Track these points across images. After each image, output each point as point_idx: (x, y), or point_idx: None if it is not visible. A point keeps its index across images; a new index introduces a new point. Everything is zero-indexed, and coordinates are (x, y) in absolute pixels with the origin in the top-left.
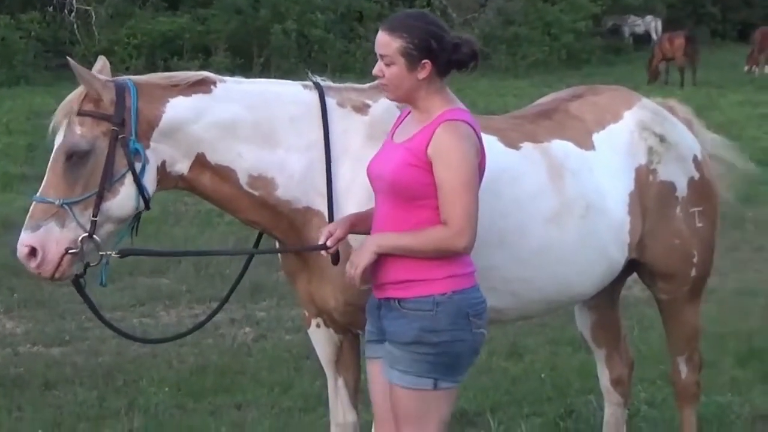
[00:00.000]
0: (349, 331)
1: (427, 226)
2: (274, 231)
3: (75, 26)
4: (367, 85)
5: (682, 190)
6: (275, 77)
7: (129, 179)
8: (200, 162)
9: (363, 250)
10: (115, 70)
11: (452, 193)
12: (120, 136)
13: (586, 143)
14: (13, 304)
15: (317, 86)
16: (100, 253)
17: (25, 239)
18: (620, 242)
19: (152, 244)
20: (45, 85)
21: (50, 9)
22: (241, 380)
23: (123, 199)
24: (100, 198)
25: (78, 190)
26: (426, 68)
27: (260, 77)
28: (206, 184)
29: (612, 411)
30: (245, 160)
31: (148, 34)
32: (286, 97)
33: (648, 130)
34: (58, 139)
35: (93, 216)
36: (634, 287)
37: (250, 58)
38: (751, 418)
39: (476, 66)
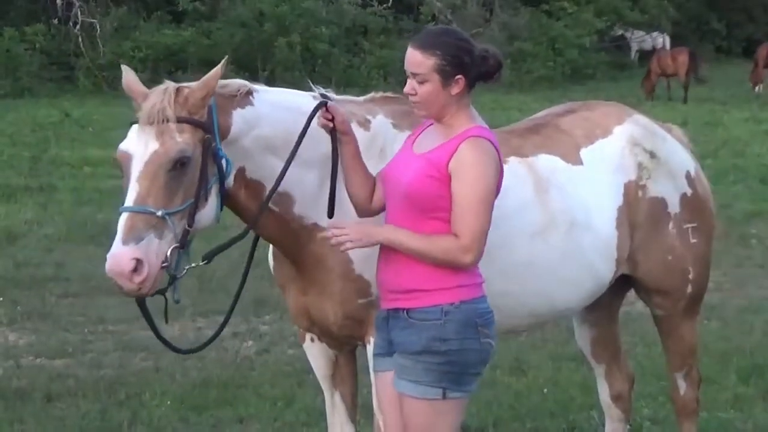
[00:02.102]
0: (345, 346)
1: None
2: (277, 244)
3: (80, 39)
4: (362, 98)
5: (674, 206)
6: None
7: (215, 189)
8: (240, 176)
9: (371, 231)
10: (119, 83)
11: (468, 208)
12: (212, 144)
13: (573, 158)
14: (17, 316)
15: (325, 98)
16: (186, 266)
17: (130, 252)
18: (607, 257)
19: None
20: (49, 97)
21: (55, 21)
22: (244, 394)
23: (210, 209)
24: (196, 207)
25: (178, 200)
26: (459, 84)
27: None
28: (241, 200)
29: (613, 427)
30: (275, 175)
31: (152, 47)
32: (306, 109)
33: (638, 145)
34: (151, 147)
35: (188, 226)
36: (637, 303)
37: (254, 72)
38: None
39: (500, 76)
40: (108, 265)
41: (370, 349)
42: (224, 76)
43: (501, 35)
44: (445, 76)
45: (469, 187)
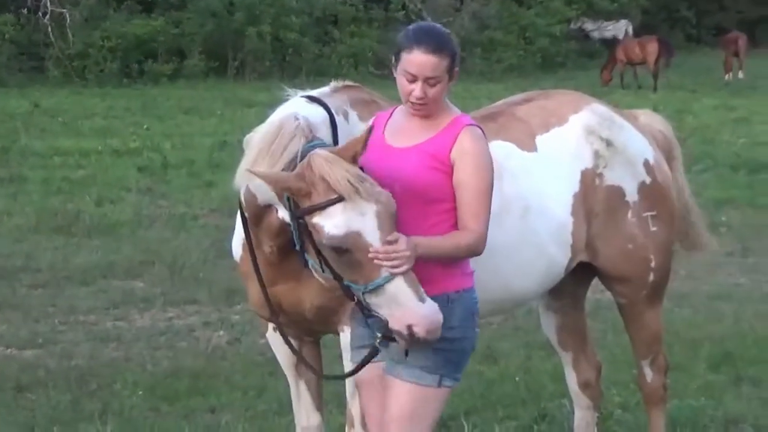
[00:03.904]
0: (310, 335)
1: (441, 227)
2: (275, 246)
3: (49, 29)
4: (328, 88)
5: (632, 194)
6: (250, 80)
7: None
8: None
9: (410, 248)
10: (89, 73)
11: (478, 196)
12: None
13: (528, 145)
14: None
15: (316, 100)
16: None
17: (433, 305)
18: (562, 243)
19: (126, 248)
20: (19, 87)
21: (24, 11)
22: (215, 384)
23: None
24: None
25: None
26: (456, 76)
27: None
28: (272, 220)
29: (582, 414)
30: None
31: (122, 37)
32: (321, 118)
33: (594, 134)
34: (370, 211)
35: None
36: (607, 291)
37: (224, 62)
38: (724, 421)
39: None
40: (426, 327)
41: (344, 337)
42: (194, 66)
43: (471, 24)
44: (450, 74)
45: (475, 177)
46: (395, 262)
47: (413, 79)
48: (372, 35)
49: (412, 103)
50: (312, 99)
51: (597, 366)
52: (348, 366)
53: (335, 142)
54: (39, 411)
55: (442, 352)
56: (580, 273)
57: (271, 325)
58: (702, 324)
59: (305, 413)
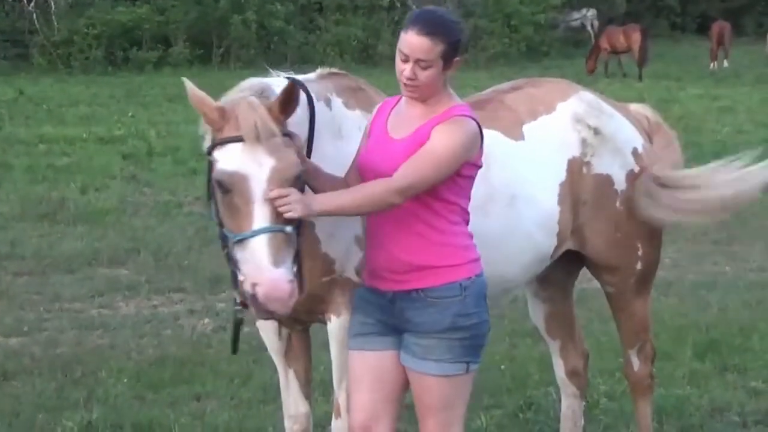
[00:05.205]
0: (300, 324)
1: (429, 218)
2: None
3: (34, 16)
4: (313, 75)
5: (620, 183)
6: (235, 68)
7: None
8: None
9: (310, 202)
10: (74, 60)
11: (421, 158)
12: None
13: (515, 133)
14: None
15: (296, 82)
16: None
17: (286, 274)
18: (548, 230)
19: (111, 235)
20: (3, 74)
21: None
22: (201, 371)
23: None
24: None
25: None
26: (456, 65)
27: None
28: None
29: (569, 403)
30: None
31: (107, 24)
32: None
33: (581, 122)
34: (267, 164)
35: (299, 237)
36: (594, 280)
37: (209, 49)
38: (710, 410)
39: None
40: (265, 291)
41: (331, 326)
42: (179, 54)
43: (456, 12)
44: (447, 61)
45: (428, 144)
46: (281, 204)
47: (406, 59)
48: (357, 23)
49: (404, 84)
50: (292, 81)
51: (584, 354)
52: (336, 355)
53: (311, 125)
54: (24, 398)
55: (464, 340)
56: (569, 262)
57: None
58: (687, 312)
59: (293, 402)
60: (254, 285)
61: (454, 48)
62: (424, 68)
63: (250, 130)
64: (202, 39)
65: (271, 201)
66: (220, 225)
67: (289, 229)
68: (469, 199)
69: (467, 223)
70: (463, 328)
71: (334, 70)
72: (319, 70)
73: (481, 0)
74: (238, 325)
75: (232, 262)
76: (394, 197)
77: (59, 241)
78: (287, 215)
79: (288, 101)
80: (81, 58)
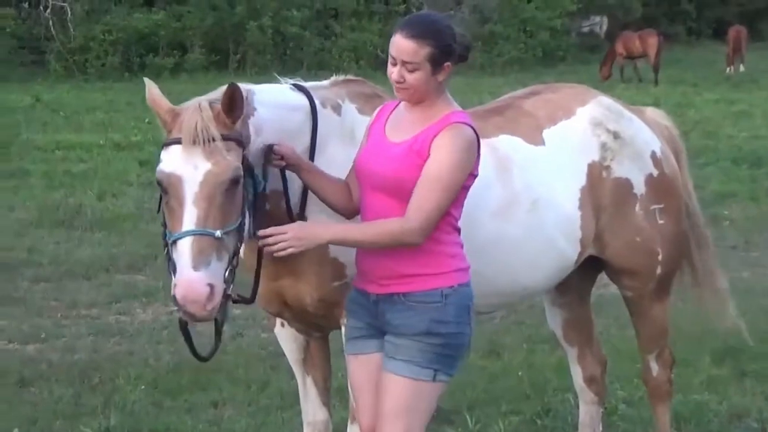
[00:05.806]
0: (317, 330)
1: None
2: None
3: (50, 22)
4: (327, 82)
5: (639, 187)
6: (251, 74)
7: (248, 204)
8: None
9: (315, 232)
10: (90, 67)
11: (429, 187)
12: (248, 159)
13: (535, 139)
14: None
15: (301, 89)
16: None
17: (204, 277)
18: (571, 236)
19: (128, 242)
20: (20, 81)
21: (25, 5)
22: (218, 378)
23: (248, 224)
24: (243, 224)
25: (231, 218)
26: (446, 70)
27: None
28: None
29: (587, 409)
30: (277, 177)
31: (123, 31)
32: (294, 103)
33: (601, 126)
34: (202, 167)
35: (240, 243)
36: (611, 285)
37: (226, 55)
38: (728, 416)
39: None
40: (181, 292)
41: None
42: (195, 60)
43: (472, 18)
44: (435, 64)
45: (435, 168)
46: (273, 243)
47: (394, 62)
48: (373, 29)
49: (394, 86)
50: (298, 88)
51: (602, 361)
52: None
53: (314, 131)
54: (41, 405)
55: (437, 347)
56: (587, 268)
57: (278, 321)
58: (705, 319)
59: (312, 409)
60: (174, 286)
61: (444, 52)
62: (411, 71)
63: (189, 133)
64: (218, 45)
65: (198, 204)
66: (163, 225)
67: (218, 233)
68: (462, 207)
69: (458, 231)
70: (438, 334)
71: (350, 77)
72: (334, 77)
73: (496, 5)
74: (184, 327)
75: (170, 263)
76: (415, 238)
77: (76, 247)
78: (278, 254)
79: (230, 104)
80: (97, 64)
